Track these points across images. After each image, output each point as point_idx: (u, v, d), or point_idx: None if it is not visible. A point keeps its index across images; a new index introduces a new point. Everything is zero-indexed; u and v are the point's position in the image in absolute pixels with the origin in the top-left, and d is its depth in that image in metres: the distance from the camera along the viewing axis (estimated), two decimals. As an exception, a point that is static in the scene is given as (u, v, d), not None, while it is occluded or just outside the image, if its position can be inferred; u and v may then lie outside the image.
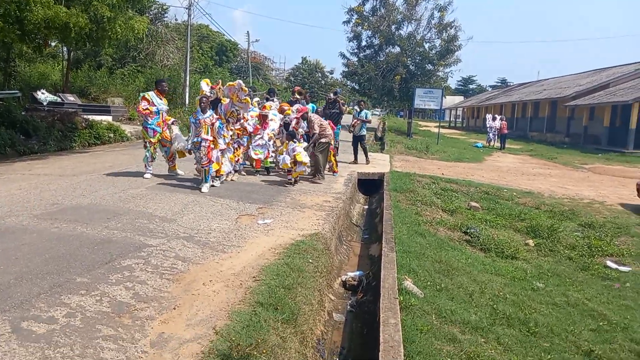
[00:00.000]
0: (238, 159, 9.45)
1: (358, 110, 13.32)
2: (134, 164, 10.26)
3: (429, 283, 4.93)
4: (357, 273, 6.04)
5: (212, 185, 8.11)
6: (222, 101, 8.47)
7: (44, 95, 16.92)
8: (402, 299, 4.28)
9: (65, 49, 21.23)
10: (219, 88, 8.59)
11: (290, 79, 59.58)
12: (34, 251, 4.54)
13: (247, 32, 47.78)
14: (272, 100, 10.66)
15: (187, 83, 25.46)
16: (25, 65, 24.42)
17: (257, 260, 4.80)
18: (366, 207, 10.34)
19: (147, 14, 25.44)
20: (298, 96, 11.03)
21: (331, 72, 62.06)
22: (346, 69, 31.03)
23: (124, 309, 3.55)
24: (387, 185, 9.75)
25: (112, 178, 8.57)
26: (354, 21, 29.20)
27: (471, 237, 7.07)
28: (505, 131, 24.95)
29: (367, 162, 12.91)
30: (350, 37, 29.83)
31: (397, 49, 28.45)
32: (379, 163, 13.54)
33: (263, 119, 9.52)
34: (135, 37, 13.23)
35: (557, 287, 5.59)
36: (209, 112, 7.77)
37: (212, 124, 7.74)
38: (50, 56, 26.75)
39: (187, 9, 25.64)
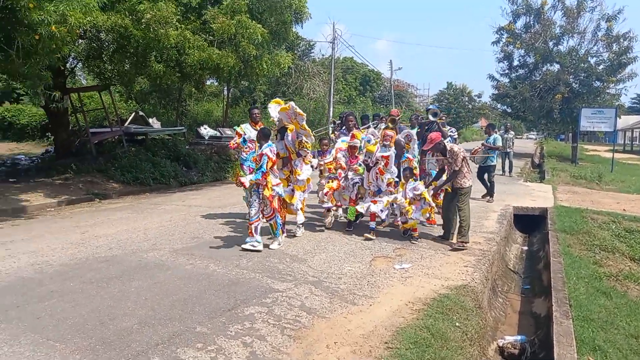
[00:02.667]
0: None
1: (492, 134, 11.20)
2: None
3: (624, 369, 3.64)
4: (519, 338, 4.88)
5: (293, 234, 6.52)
6: (289, 130, 6.48)
7: (205, 130, 18.61)
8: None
9: (225, 88, 23.41)
10: (291, 114, 6.50)
11: (435, 105, 57.97)
12: (164, 292, 4.46)
13: (390, 60, 48.09)
14: (367, 128, 8.18)
15: (331, 114, 26.07)
16: (194, 104, 27.59)
17: (392, 319, 4.06)
18: (525, 247, 8.85)
19: (294, 51, 26.92)
20: (390, 125, 7.60)
21: (479, 96, 58.76)
22: (496, 92, 28.75)
23: (236, 373, 3.12)
24: (553, 225, 8.18)
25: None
26: (504, 40, 27.05)
27: (678, 300, 5.35)
28: None
29: (491, 200, 10.43)
30: (500, 58, 27.65)
31: (556, 66, 25.45)
32: (539, 195, 11.73)
33: (351, 152, 7.01)
34: (281, 72, 13.75)
35: None
36: (267, 145, 5.84)
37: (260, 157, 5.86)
38: (213, 95, 29.89)
39: (331, 43, 26.48)
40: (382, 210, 6.56)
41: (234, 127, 7.39)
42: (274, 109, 6.53)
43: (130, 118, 16.23)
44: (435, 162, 7.13)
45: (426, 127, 8.32)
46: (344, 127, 8.03)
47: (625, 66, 23.67)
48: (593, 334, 4.09)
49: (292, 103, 5.61)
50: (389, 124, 7.71)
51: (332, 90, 26.61)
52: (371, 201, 6.60)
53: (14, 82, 11.93)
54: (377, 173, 6.63)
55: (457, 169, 6.35)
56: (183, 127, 18.62)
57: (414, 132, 8.05)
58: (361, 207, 6.66)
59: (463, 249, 6.28)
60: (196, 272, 5.07)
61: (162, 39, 8.74)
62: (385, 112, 17.91)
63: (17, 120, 21.60)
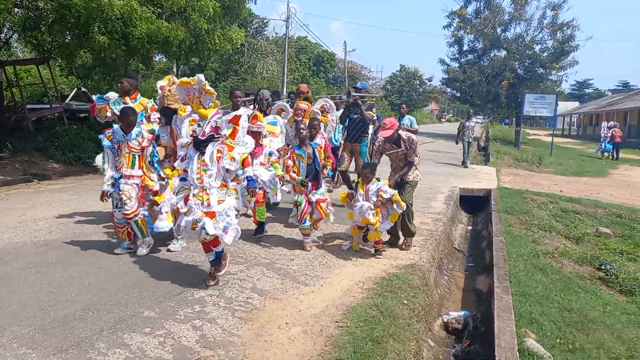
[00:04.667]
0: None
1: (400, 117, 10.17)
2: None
3: (558, 341, 3.89)
4: (462, 314, 5.11)
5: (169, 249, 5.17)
6: (178, 111, 4.78)
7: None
8: (524, 364, 3.35)
9: (175, 65, 22.55)
10: (169, 89, 5.16)
11: (387, 87, 58.62)
12: (109, 276, 4.31)
13: (344, 42, 47.83)
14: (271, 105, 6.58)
15: (284, 94, 25.83)
16: (142, 81, 26.48)
17: (342, 298, 4.13)
18: (470, 227, 9.22)
19: (247, 28, 26.29)
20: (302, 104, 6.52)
21: (430, 80, 59.99)
22: (446, 76, 29.46)
23: (186, 357, 3.07)
24: (496, 205, 8.55)
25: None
26: (455, 25, 27.68)
27: (607, 275, 5.77)
28: (618, 140, 21.79)
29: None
30: (450, 42, 28.32)
31: (503, 53, 26.35)
32: (484, 177, 12.23)
33: (255, 137, 5.23)
34: (234, 49, 13.42)
35: None
36: (136, 131, 4.73)
37: (142, 149, 4.80)
38: (162, 72, 28.77)
39: (285, 21, 26.07)
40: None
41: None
42: (161, 82, 5.28)
43: (72, 94, 15.35)
44: (377, 152, 5.71)
45: (350, 110, 7.29)
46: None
47: (568, 54, 24.84)
48: (530, 308, 4.34)
49: (200, 76, 4.03)
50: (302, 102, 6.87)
51: (285, 69, 26.30)
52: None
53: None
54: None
55: (416, 159, 5.53)
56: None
57: (331, 101, 7.32)
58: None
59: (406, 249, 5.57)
60: (143, 256, 4.92)
61: (106, 9, 8.26)
62: (337, 92, 17.43)
63: (-56, 94, 19.93)
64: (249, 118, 5.35)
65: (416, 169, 5.60)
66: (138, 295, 3.94)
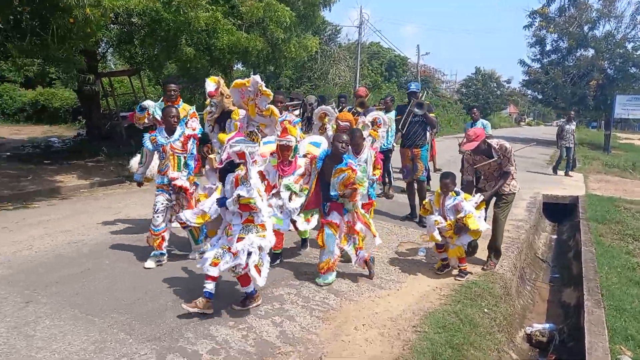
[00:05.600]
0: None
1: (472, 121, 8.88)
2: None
3: (658, 360, 3.57)
4: (547, 326, 4.84)
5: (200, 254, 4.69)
6: (233, 115, 4.84)
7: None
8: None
9: (252, 73, 23.52)
10: (222, 91, 4.96)
11: (462, 91, 56.82)
12: (199, 272, 4.57)
13: (417, 45, 47.11)
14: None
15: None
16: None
17: (419, 303, 4.08)
18: (554, 236, 8.70)
19: (321, 35, 26.70)
20: (359, 109, 6.23)
21: (508, 82, 57.23)
22: (527, 77, 28.02)
23: (268, 351, 3.20)
24: (584, 213, 8.00)
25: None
26: (537, 24, 26.27)
27: None
28: None
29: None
30: (531, 43, 26.88)
31: (591, 52, 24.60)
32: (570, 183, 11.48)
33: (283, 154, 4.66)
34: (309, 55, 13.70)
35: None
36: (179, 131, 4.67)
37: (185, 150, 4.72)
38: (239, 80, 30.05)
39: (358, 27, 26.19)
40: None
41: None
42: (211, 85, 5.02)
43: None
44: (469, 167, 5.16)
45: (413, 116, 6.54)
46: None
47: (666, 52, 22.74)
48: (625, 324, 4.02)
49: (255, 77, 3.68)
50: (357, 107, 6.24)
51: (357, 75, 26.39)
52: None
53: (48, 66, 12.24)
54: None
55: (512, 168, 4.92)
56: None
57: (386, 115, 6.16)
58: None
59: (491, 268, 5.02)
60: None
61: (193, 22, 8.81)
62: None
63: (50, 104, 22.19)
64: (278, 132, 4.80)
65: (512, 179, 5.01)
66: (222, 290, 4.14)
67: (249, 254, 3.47)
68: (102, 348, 3.13)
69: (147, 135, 4.75)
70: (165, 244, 4.73)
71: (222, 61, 10.91)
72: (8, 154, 12.19)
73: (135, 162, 5.72)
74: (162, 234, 4.67)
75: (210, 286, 3.57)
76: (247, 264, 3.46)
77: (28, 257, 4.88)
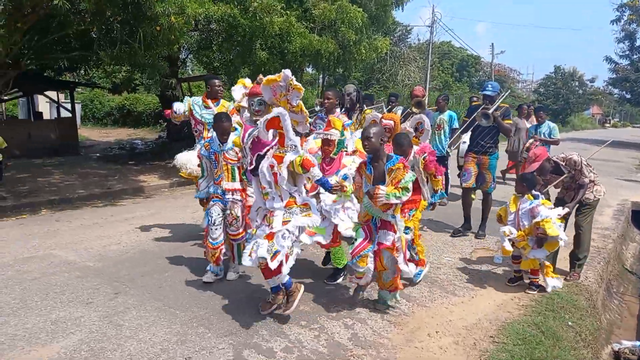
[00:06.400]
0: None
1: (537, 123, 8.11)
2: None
3: None
4: (638, 344, 4.46)
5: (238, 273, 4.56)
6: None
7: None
8: None
9: (321, 75, 23.75)
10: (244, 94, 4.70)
11: (540, 91, 53.79)
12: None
13: (492, 44, 45.27)
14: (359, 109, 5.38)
15: (427, 101, 25.41)
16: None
17: (496, 312, 3.91)
18: (645, 248, 8.00)
19: (391, 36, 26.46)
20: (415, 109, 5.86)
21: (592, 80, 53.37)
22: (614, 75, 26.04)
23: (340, 353, 3.21)
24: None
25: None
26: (626, 18, 24.35)
27: None
28: None
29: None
30: (620, 38, 25.02)
31: (691, 46, 22.43)
32: (663, 191, 10.50)
33: (324, 149, 4.27)
34: (379, 57, 13.64)
35: None
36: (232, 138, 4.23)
37: (239, 159, 4.22)
38: (308, 83, 30.48)
39: (429, 27, 25.66)
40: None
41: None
42: (239, 90, 4.82)
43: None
44: (543, 186, 4.86)
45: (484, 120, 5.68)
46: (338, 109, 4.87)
47: None
48: None
49: (286, 71, 3.47)
50: (413, 107, 5.80)
51: (428, 76, 25.86)
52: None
53: (134, 73, 13.12)
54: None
55: (591, 178, 4.71)
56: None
57: (428, 119, 5.06)
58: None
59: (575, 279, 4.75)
60: (302, 254, 5.23)
61: (267, 27, 9.10)
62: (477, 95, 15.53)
63: (134, 108, 23.83)
64: (322, 120, 4.64)
65: (595, 184, 4.76)
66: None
67: (284, 237, 3.34)
68: (183, 340, 3.30)
69: (201, 142, 4.60)
70: (222, 258, 4.39)
71: (294, 64, 11.12)
72: (98, 155, 13.27)
73: (183, 157, 5.26)
74: (221, 247, 4.30)
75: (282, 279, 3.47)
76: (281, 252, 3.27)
77: (117, 251, 5.26)
